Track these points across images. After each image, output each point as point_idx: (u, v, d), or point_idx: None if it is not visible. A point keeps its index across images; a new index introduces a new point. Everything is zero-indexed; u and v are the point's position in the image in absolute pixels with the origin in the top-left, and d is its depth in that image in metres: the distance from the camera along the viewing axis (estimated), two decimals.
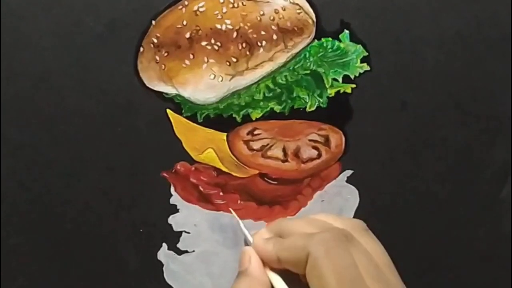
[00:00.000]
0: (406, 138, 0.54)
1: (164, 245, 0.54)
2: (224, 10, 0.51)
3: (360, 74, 0.53)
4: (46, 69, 0.51)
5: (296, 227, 0.40)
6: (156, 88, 0.52)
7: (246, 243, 0.43)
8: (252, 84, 0.52)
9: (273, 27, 0.51)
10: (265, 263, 0.40)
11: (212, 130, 0.53)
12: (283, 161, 0.54)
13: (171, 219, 0.54)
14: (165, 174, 0.53)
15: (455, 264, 0.56)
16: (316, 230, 0.39)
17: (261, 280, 0.39)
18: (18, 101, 0.52)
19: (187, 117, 0.53)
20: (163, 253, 0.54)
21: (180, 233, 0.54)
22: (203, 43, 0.51)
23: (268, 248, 0.39)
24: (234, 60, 0.51)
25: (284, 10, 0.51)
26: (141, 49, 0.51)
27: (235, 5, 0.51)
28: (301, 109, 0.53)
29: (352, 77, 0.52)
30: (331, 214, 0.42)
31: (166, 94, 0.52)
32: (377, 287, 0.35)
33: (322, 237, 0.37)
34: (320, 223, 0.40)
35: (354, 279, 0.35)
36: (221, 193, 0.54)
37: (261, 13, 0.51)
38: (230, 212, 0.53)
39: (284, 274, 0.40)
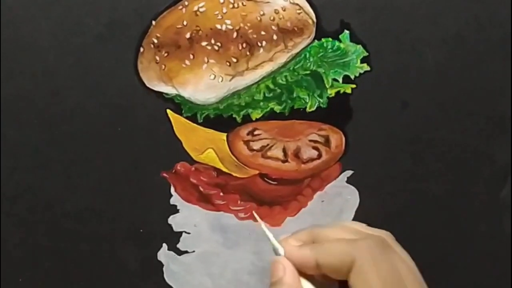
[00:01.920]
0: (406, 138, 0.54)
1: (164, 245, 0.54)
2: (224, 10, 0.51)
3: (360, 74, 0.52)
4: (46, 69, 0.51)
5: (332, 234, 0.40)
6: (156, 88, 0.52)
7: (275, 252, 0.41)
8: (252, 84, 0.52)
9: (273, 27, 0.51)
10: (300, 269, 0.40)
11: (212, 130, 0.53)
12: (283, 162, 0.54)
13: (171, 220, 0.54)
14: (165, 175, 0.53)
15: (455, 264, 0.56)
16: (354, 236, 0.39)
17: None
18: (18, 101, 0.52)
19: (187, 117, 0.53)
20: (163, 254, 0.54)
21: (180, 233, 0.54)
22: (203, 43, 0.51)
23: (305, 253, 0.39)
24: (234, 60, 0.51)
25: (284, 10, 0.51)
26: (141, 49, 0.51)
27: (235, 5, 0.51)
28: (301, 109, 0.53)
29: (352, 77, 0.52)
30: (362, 224, 0.42)
31: (166, 94, 0.52)
32: None
33: (367, 243, 0.38)
34: (356, 231, 0.41)
35: (398, 284, 0.37)
36: (221, 194, 0.54)
37: (261, 13, 0.51)
38: (231, 212, 0.54)
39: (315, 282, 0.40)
